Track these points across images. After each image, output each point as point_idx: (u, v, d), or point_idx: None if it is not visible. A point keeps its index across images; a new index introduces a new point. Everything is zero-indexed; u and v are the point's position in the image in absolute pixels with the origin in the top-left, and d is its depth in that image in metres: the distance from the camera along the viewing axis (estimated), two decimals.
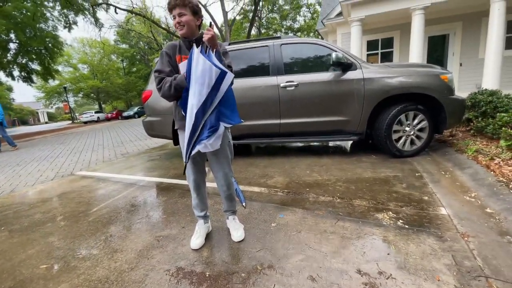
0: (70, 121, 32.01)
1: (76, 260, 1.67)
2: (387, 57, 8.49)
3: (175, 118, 1.65)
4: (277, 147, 4.50)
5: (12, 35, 13.85)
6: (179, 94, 1.48)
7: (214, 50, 1.39)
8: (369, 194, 2.26)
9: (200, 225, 1.78)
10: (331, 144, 4.42)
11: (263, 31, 29.54)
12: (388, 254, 1.46)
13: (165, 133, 3.95)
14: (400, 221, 1.80)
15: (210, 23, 1.36)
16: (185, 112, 1.43)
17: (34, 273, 1.58)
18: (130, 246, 1.77)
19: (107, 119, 26.10)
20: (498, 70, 5.61)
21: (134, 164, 4.27)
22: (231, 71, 1.53)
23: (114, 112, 27.44)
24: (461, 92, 6.71)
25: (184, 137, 1.47)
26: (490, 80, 5.65)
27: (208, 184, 2.56)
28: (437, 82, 3.02)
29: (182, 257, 1.59)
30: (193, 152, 1.46)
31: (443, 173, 2.65)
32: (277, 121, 3.46)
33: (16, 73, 16.29)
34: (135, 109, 25.98)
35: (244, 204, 2.22)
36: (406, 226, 1.73)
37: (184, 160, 1.53)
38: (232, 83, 1.44)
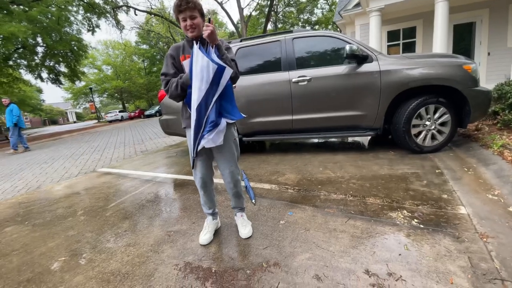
0: (96, 120, 33.66)
1: (92, 253, 1.75)
2: (409, 48, 8.09)
3: (182, 117, 1.67)
4: (290, 144, 4.45)
5: (39, 39, 14.69)
6: (185, 93, 1.50)
7: (214, 45, 1.39)
8: (384, 192, 2.18)
9: (209, 221, 1.81)
10: (347, 140, 4.30)
11: (279, 26, 29.18)
12: (400, 254, 1.40)
13: (180, 131, 4.03)
14: (415, 220, 1.72)
15: (209, 18, 1.36)
16: (191, 110, 1.45)
17: (52, 266, 1.68)
18: (142, 240, 1.83)
19: (130, 118, 27.16)
20: None
21: (152, 161, 4.41)
22: (236, 64, 1.53)
23: (137, 111, 28.50)
24: (490, 83, 6.27)
25: (190, 135, 1.49)
26: None
27: (218, 181, 2.61)
28: (459, 72, 2.82)
29: (191, 252, 1.62)
30: (198, 148, 1.48)
31: (466, 169, 2.49)
32: (289, 117, 3.42)
33: (44, 75, 17.32)
34: (156, 108, 26.78)
35: (253, 201, 2.23)
36: (421, 226, 1.65)
37: (192, 155, 1.55)
38: (232, 77, 1.44)
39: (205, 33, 1.35)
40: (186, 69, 1.48)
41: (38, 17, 13.08)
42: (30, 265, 1.71)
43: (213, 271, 1.43)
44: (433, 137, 3.02)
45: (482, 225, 1.58)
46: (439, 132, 2.99)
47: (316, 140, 4.46)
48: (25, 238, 2.11)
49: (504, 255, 1.32)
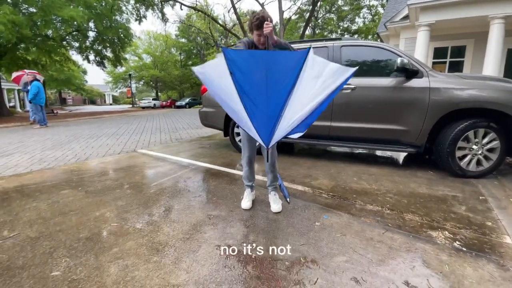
0: (131, 105, 35.55)
1: (141, 224, 1.92)
2: (456, 67, 7.70)
3: None
4: (321, 151, 4.45)
5: (92, 24, 15.87)
6: None
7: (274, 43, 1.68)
8: (422, 210, 2.14)
9: (248, 192, 2.22)
10: (380, 153, 4.22)
11: (317, 31, 28.92)
12: (441, 272, 1.40)
13: (217, 124, 4.21)
14: (457, 242, 1.69)
15: (262, 5, 1.49)
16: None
17: (106, 229, 1.87)
18: (185, 219, 1.98)
19: (162, 107, 28.40)
20: None
21: (187, 149, 4.63)
22: None
23: (168, 101, 29.75)
24: None
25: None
26: None
27: (257, 177, 2.72)
28: None
29: (231, 237, 1.73)
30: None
31: None
32: (328, 124, 3.44)
33: (91, 57, 18.71)
34: (187, 100, 27.79)
35: (288, 199, 2.30)
36: (464, 249, 1.62)
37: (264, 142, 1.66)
38: None
39: (266, 31, 1.67)
40: None
41: (94, 4, 14.15)
42: (86, 226, 1.91)
43: (253, 257, 1.52)
44: (478, 163, 2.89)
45: None
46: (486, 158, 2.86)
47: (348, 150, 4.42)
48: (80, 202, 2.35)
49: None
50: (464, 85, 2.84)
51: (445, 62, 7.86)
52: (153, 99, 29.77)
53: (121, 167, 3.50)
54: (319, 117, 3.39)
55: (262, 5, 23.39)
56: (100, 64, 19.52)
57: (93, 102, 60.57)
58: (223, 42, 32.70)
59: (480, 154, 2.85)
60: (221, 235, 1.75)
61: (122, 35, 17.89)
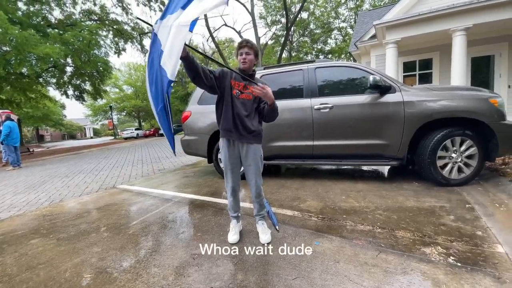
0: (113, 137, 34.72)
1: (118, 272, 1.74)
2: (425, 79, 8.14)
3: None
4: (308, 169, 4.42)
5: (69, 60, 15.78)
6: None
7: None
8: (413, 225, 2.10)
9: (234, 224, 2.11)
10: (365, 168, 4.24)
11: (293, 54, 30.20)
12: None
13: (200, 152, 4.12)
14: (451, 257, 1.64)
15: (239, 32, 1.51)
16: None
17: (78, 282, 1.68)
18: (167, 262, 1.82)
19: (145, 136, 27.91)
20: None
21: (170, 180, 4.46)
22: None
23: (152, 130, 29.35)
24: (511, 115, 6.14)
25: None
26: None
27: (242, 204, 2.61)
28: (486, 106, 2.81)
29: (217, 278, 1.59)
30: None
31: (497, 205, 2.39)
32: (310, 143, 3.44)
33: (70, 92, 18.38)
34: None
35: (277, 227, 2.20)
36: (459, 264, 1.57)
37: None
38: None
39: (256, 92, 1.75)
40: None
41: (71, 40, 14.16)
42: (56, 281, 1.71)
43: None
44: (459, 170, 2.94)
45: None
46: (466, 165, 2.92)
47: (334, 167, 4.42)
48: (50, 252, 2.13)
49: None
50: (435, 96, 2.96)
51: (415, 75, 8.32)
52: (135, 129, 29.30)
53: (99, 207, 3.28)
54: (302, 137, 3.45)
55: (239, 32, 24.38)
56: (80, 98, 19.18)
57: (72, 137, 58.73)
58: None
59: (460, 162, 2.91)
60: (206, 277, 1.61)
61: (101, 68, 17.83)
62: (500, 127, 2.79)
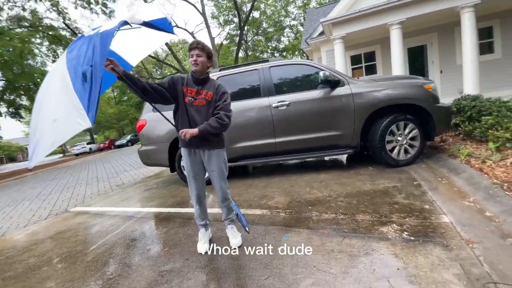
0: (61, 154, 31.50)
1: None
2: (371, 70, 8.81)
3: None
4: (274, 166, 4.50)
5: None
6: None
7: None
8: (371, 208, 2.26)
9: (203, 233, 2.06)
10: (327, 158, 4.46)
11: (250, 53, 30.48)
12: (398, 269, 1.45)
13: (161, 161, 3.93)
14: (405, 233, 1.80)
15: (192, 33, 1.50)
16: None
17: None
18: (133, 284, 1.70)
19: (100, 150, 25.82)
20: (477, 75, 5.88)
21: (130, 195, 4.18)
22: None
23: (107, 142, 27.25)
24: (445, 97, 6.95)
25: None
26: (470, 85, 5.91)
27: (210, 211, 2.55)
28: (422, 92, 3.14)
29: None
30: None
31: (440, 179, 2.69)
32: (272, 140, 3.50)
33: (3, 109, 16.20)
34: (128, 137, 25.89)
35: (247, 228, 2.19)
36: (412, 238, 1.73)
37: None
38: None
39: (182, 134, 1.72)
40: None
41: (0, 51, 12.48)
42: None
43: None
44: (406, 151, 3.25)
45: (465, 232, 1.70)
46: (411, 146, 3.23)
47: (299, 161, 4.56)
48: None
49: (491, 258, 1.42)
50: (380, 87, 3.22)
51: (361, 67, 8.97)
52: (88, 143, 26.94)
53: (49, 236, 2.94)
54: (264, 135, 3.49)
55: (192, 33, 23.78)
56: (16, 115, 17.00)
57: (12, 159, 51.92)
58: (158, 73, 31.90)
59: (406, 144, 3.22)
60: None
61: (38, 80, 16.00)
62: (435, 109, 3.14)
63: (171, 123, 1.91)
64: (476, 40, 5.87)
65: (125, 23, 1.52)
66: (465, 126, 3.60)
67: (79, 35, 1.53)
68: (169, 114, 1.94)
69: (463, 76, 6.11)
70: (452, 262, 1.44)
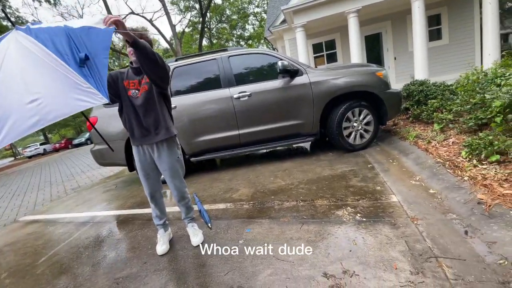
0: (12, 158, 28.44)
1: None
2: (332, 58, 9.06)
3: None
4: (241, 157, 4.48)
5: None
6: None
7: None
8: (329, 192, 2.36)
9: (162, 234, 1.98)
10: (294, 146, 4.54)
11: (214, 41, 29.62)
12: (350, 251, 1.53)
13: (117, 160, 3.70)
14: (358, 215, 1.90)
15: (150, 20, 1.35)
16: None
17: None
18: None
19: (55, 150, 23.71)
20: (426, 61, 6.33)
21: (87, 199, 3.90)
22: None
23: (63, 142, 25.06)
24: (400, 83, 7.43)
25: None
26: (420, 71, 6.35)
27: (170, 210, 2.47)
28: (374, 79, 3.30)
29: None
30: None
31: (391, 161, 2.87)
32: (236, 132, 3.46)
33: None
34: (86, 135, 24.01)
35: (209, 225, 2.17)
36: (364, 219, 1.83)
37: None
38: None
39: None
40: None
41: None
42: None
43: None
44: (361, 136, 3.42)
45: (411, 210, 1.84)
46: (366, 131, 3.41)
47: (265, 151, 4.59)
48: None
49: (433, 233, 1.55)
50: (336, 75, 3.31)
51: (323, 56, 9.19)
52: (41, 144, 24.55)
53: None
54: (227, 128, 3.43)
55: (150, 21, 22.38)
56: None
57: None
58: (116, 63, 29.75)
59: (361, 129, 3.38)
60: None
61: None
62: (386, 95, 3.32)
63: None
64: (425, 27, 6.28)
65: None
66: (414, 109, 3.88)
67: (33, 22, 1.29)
68: (115, 110, 1.80)
69: (414, 62, 6.54)
70: (398, 240, 1.55)
